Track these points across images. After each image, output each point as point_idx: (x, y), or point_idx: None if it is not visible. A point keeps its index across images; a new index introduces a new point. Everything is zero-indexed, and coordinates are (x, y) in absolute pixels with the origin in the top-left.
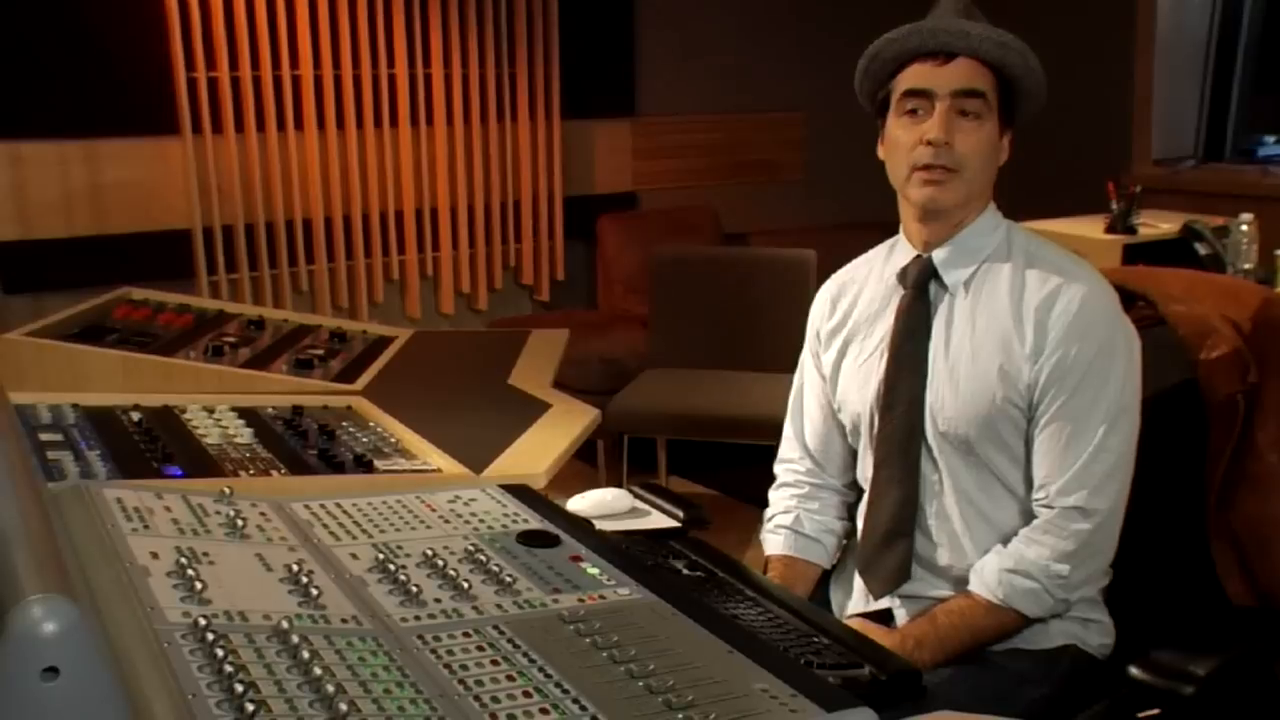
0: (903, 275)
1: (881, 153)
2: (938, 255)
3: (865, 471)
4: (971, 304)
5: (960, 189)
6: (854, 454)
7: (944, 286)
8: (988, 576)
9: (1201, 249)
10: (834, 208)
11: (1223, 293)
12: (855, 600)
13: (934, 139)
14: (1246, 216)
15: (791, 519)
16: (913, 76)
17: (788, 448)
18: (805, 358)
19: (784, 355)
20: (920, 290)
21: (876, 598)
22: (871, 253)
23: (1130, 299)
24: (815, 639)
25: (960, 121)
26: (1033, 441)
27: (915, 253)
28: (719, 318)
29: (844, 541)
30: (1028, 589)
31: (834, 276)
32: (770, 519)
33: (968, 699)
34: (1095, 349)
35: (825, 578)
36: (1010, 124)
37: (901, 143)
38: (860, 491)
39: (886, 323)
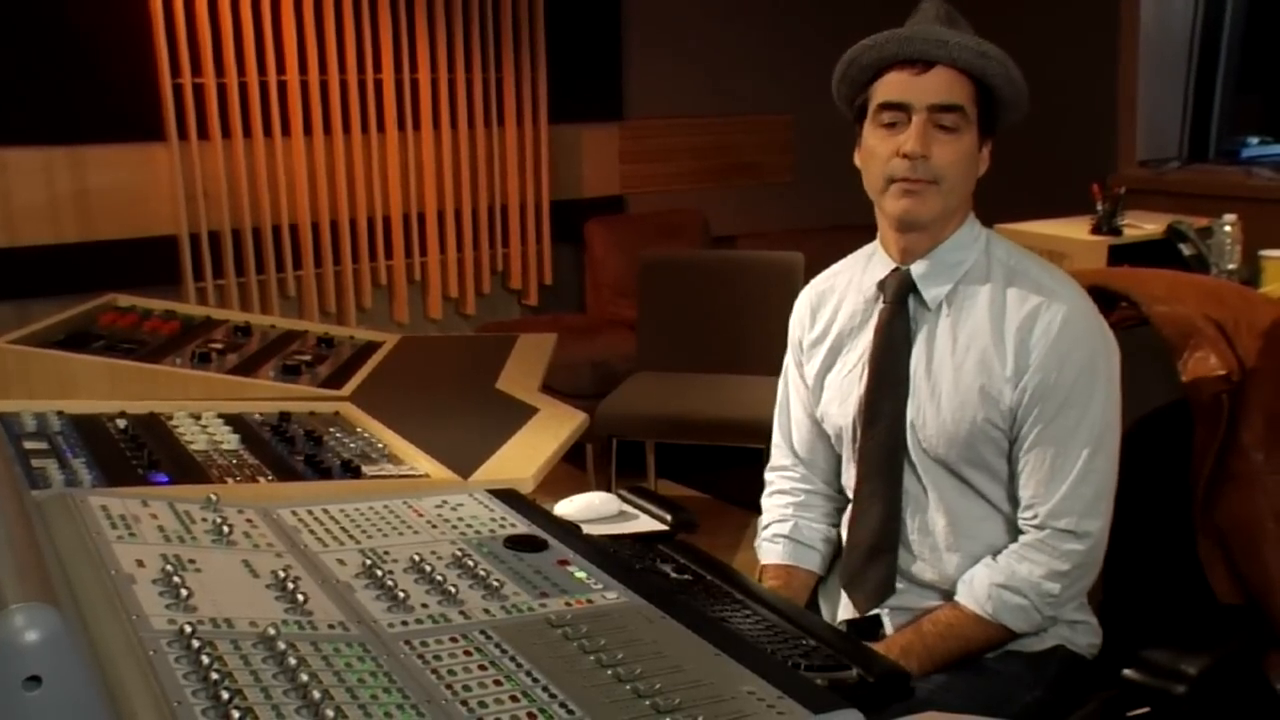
0: (882, 287)
1: (858, 160)
2: (916, 269)
3: (850, 481)
4: (952, 321)
5: (938, 201)
6: (840, 460)
7: (924, 302)
8: (977, 589)
9: (1185, 250)
10: (822, 210)
11: (1205, 293)
12: (844, 609)
13: (910, 152)
14: (1230, 217)
15: (789, 527)
16: (889, 87)
17: (779, 455)
18: (788, 366)
19: (772, 358)
20: (900, 304)
21: (862, 613)
22: (850, 259)
23: (1114, 300)
24: (803, 641)
25: (937, 134)
26: (1016, 462)
27: (893, 264)
28: (707, 321)
29: (834, 548)
30: (1016, 605)
31: (812, 284)
32: (766, 527)
33: (961, 704)
34: (1076, 372)
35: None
36: (990, 133)
37: (878, 154)
38: (848, 498)
39: (868, 336)
